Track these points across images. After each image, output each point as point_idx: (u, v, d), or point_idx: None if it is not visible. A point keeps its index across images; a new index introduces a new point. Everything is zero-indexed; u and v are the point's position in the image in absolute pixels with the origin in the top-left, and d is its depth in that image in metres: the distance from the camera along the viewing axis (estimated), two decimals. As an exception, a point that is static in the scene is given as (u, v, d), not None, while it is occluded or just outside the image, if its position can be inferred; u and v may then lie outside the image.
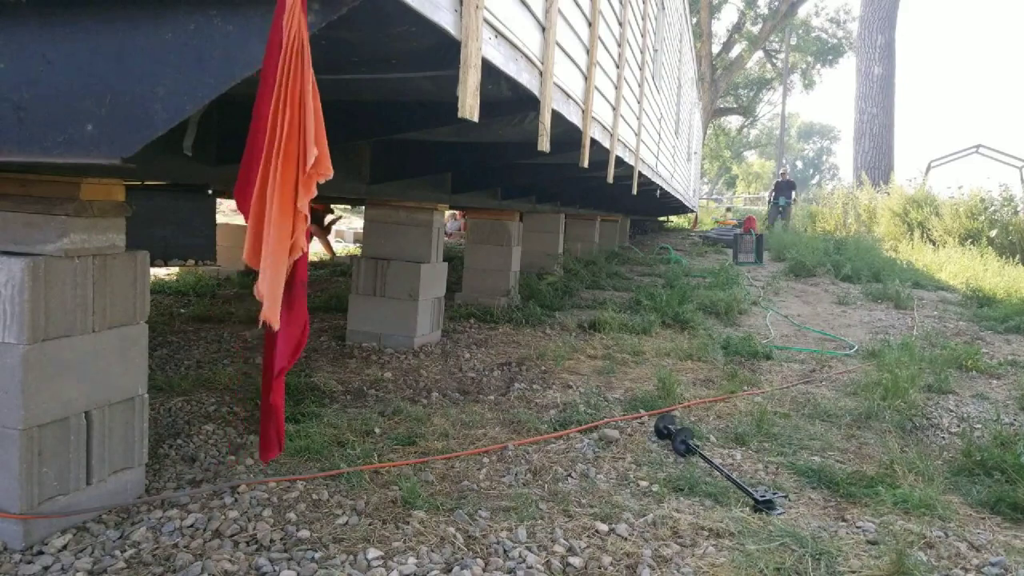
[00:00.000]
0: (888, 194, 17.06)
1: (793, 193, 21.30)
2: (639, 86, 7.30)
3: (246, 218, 1.66)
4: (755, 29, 32.83)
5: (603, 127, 5.07)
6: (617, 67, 5.68)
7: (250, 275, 7.88)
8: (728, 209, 25.74)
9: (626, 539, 2.41)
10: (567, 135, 4.17)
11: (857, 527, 2.61)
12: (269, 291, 1.63)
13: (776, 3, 31.32)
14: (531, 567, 2.19)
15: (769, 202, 21.54)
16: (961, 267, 10.82)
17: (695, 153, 22.55)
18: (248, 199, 1.64)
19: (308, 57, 1.50)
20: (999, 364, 5.40)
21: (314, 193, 1.60)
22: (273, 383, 1.97)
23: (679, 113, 14.60)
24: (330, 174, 1.60)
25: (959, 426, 3.89)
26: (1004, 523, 2.76)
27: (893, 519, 2.66)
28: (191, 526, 2.31)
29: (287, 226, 1.62)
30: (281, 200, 1.58)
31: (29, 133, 1.67)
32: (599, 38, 4.49)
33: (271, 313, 1.64)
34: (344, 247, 12.81)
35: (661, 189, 11.04)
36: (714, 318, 6.77)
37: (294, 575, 2.08)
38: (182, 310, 5.99)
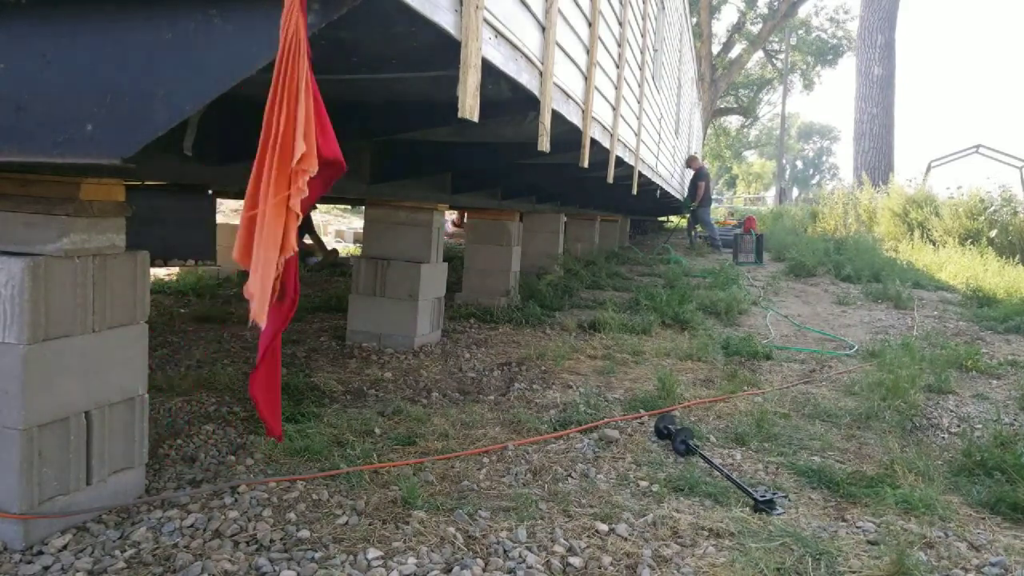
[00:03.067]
0: (888, 194, 17.05)
1: (702, 189, 14.10)
2: (639, 86, 7.30)
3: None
4: (755, 29, 32.86)
5: (603, 127, 5.07)
6: (617, 67, 5.68)
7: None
8: (731, 213, 25.04)
9: (626, 539, 2.41)
10: (567, 135, 4.17)
11: (857, 527, 2.61)
12: (259, 290, 1.63)
13: (776, 3, 31.34)
14: (531, 567, 2.19)
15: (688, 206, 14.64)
16: (961, 267, 10.82)
17: (695, 151, 22.51)
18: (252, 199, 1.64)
19: (305, 56, 1.49)
20: (999, 364, 5.40)
21: (305, 192, 1.58)
22: (253, 377, 1.99)
23: (679, 113, 14.60)
24: (313, 169, 1.58)
25: (959, 426, 3.89)
26: (1004, 523, 2.76)
27: (893, 519, 2.66)
28: (191, 526, 2.31)
29: (279, 225, 1.61)
30: (275, 199, 1.58)
31: (29, 133, 1.67)
32: (599, 38, 4.49)
33: (259, 312, 1.64)
34: (344, 247, 12.80)
35: (661, 189, 11.05)
36: (714, 318, 6.77)
37: (294, 575, 2.08)
38: (182, 310, 5.99)
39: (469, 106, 2.07)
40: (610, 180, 5.75)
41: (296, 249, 1.69)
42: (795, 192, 64.56)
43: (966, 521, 2.73)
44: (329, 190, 1.81)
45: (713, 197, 19.33)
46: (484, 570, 2.17)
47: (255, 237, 1.61)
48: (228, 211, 10.62)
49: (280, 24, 1.45)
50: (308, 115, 1.55)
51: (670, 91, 12.22)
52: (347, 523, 2.40)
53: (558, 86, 3.46)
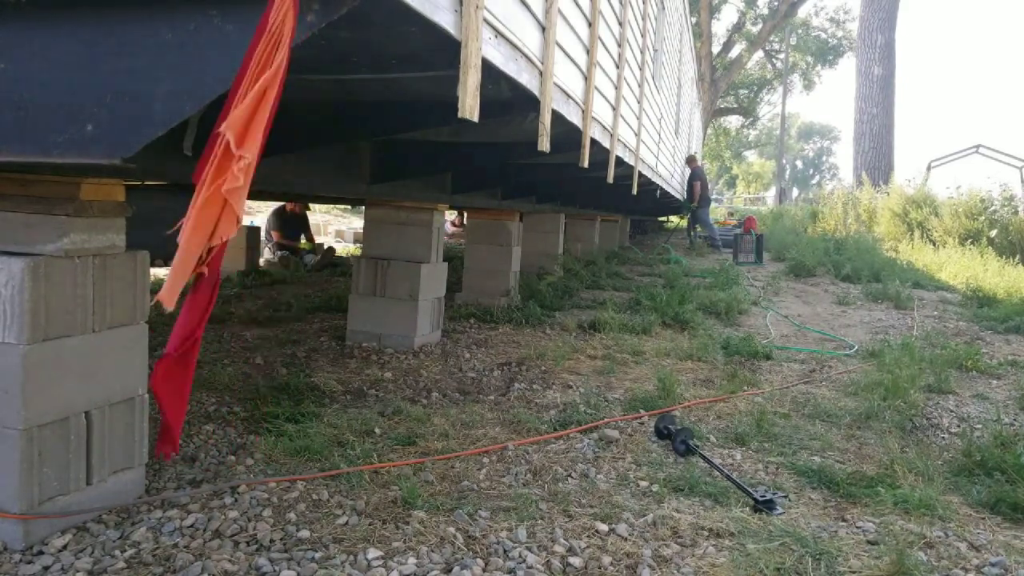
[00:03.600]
0: (888, 194, 17.05)
1: (697, 189, 14.06)
2: (639, 86, 7.30)
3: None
4: (755, 29, 32.88)
5: (603, 127, 5.07)
6: (617, 67, 5.68)
7: (250, 275, 7.88)
8: (731, 213, 24.93)
9: (626, 539, 2.41)
10: (567, 135, 4.17)
11: (857, 527, 2.61)
12: (175, 271, 1.61)
13: (776, 3, 31.36)
14: (531, 567, 2.19)
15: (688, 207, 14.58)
16: (961, 267, 10.82)
17: (694, 151, 22.47)
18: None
19: (286, 49, 1.47)
20: (999, 364, 5.40)
21: (239, 180, 1.54)
22: (157, 365, 1.96)
23: (679, 113, 14.61)
24: (254, 161, 1.54)
25: (959, 426, 3.89)
26: (1004, 523, 2.76)
27: (893, 519, 2.66)
28: (191, 526, 2.31)
29: (214, 211, 1.59)
30: (214, 184, 1.55)
31: (29, 133, 1.67)
32: (599, 38, 4.49)
33: (170, 293, 1.60)
34: (344, 247, 12.80)
35: (661, 189, 11.06)
36: (714, 318, 6.77)
37: (294, 575, 2.08)
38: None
39: (469, 106, 2.07)
40: (610, 180, 5.75)
41: (224, 239, 1.66)
42: (795, 192, 64.59)
43: (966, 521, 2.73)
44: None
45: (713, 197, 19.27)
46: (484, 570, 2.17)
47: (186, 220, 1.59)
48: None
49: (270, 21, 1.44)
50: (270, 109, 1.52)
51: (670, 91, 12.23)
52: (347, 523, 2.40)
53: (558, 86, 3.46)
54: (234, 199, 1.57)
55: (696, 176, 14.55)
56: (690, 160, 15.76)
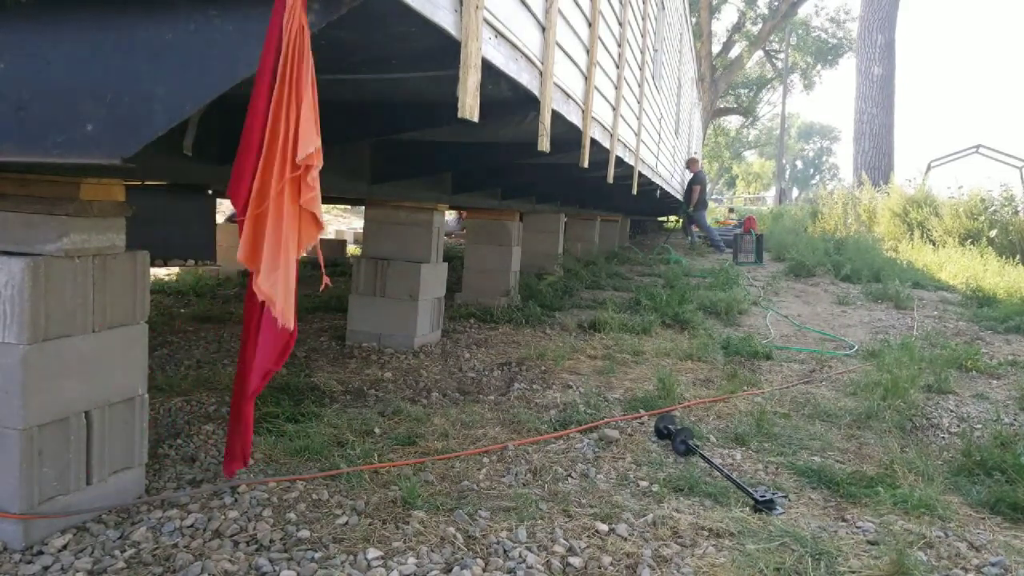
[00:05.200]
0: (888, 194, 17.04)
1: (696, 193, 13.94)
2: (639, 86, 7.30)
3: (240, 216, 1.65)
4: (755, 29, 32.86)
5: (603, 127, 5.07)
6: (617, 67, 5.68)
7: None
8: (731, 210, 24.91)
9: (626, 539, 2.41)
10: (567, 135, 4.17)
11: (857, 527, 2.61)
12: (283, 289, 1.62)
13: (776, 3, 31.34)
14: (531, 567, 2.19)
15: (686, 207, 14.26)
16: (961, 267, 10.82)
17: (695, 153, 22.46)
18: (245, 197, 1.63)
19: (309, 55, 1.50)
20: (999, 364, 5.40)
21: (314, 189, 1.59)
22: (248, 390, 1.96)
23: (679, 113, 14.61)
24: (320, 165, 1.59)
25: (959, 426, 3.89)
26: (1004, 523, 2.76)
27: (893, 519, 2.66)
28: (191, 526, 2.31)
29: (294, 224, 1.62)
30: (290, 198, 1.58)
31: (29, 133, 1.67)
32: (599, 38, 4.49)
33: (287, 311, 1.63)
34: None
35: (661, 189, 11.06)
36: (714, 318, 6.77)
37: (294, 575, 2.08)
38: (182, 310, 5.99)
39: (469, 106, 2.07)
40: (610, 180, 5.75)
41: (305, 249, 1.69)
42: (795, 192, 64.58)
43: (966, 521, 2.73)
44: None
45: (710, 200, 19.14)
46: (484, 570, 2.17)
47: (266, 237, 1.60)
48: (228, 211, 10.60)
49: (283, 23, 1.45)
50: (315, 112, 1.55)
51: (670, 91, 12.23)
52: (347, 523, 2.40)
53: (558, 86, 3.46)
54: (314, 207, 1.63)
55: (697, 180, 14.48)
56: (691, 163, 15.63)
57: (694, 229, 14.91)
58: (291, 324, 1.66)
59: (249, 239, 1.64)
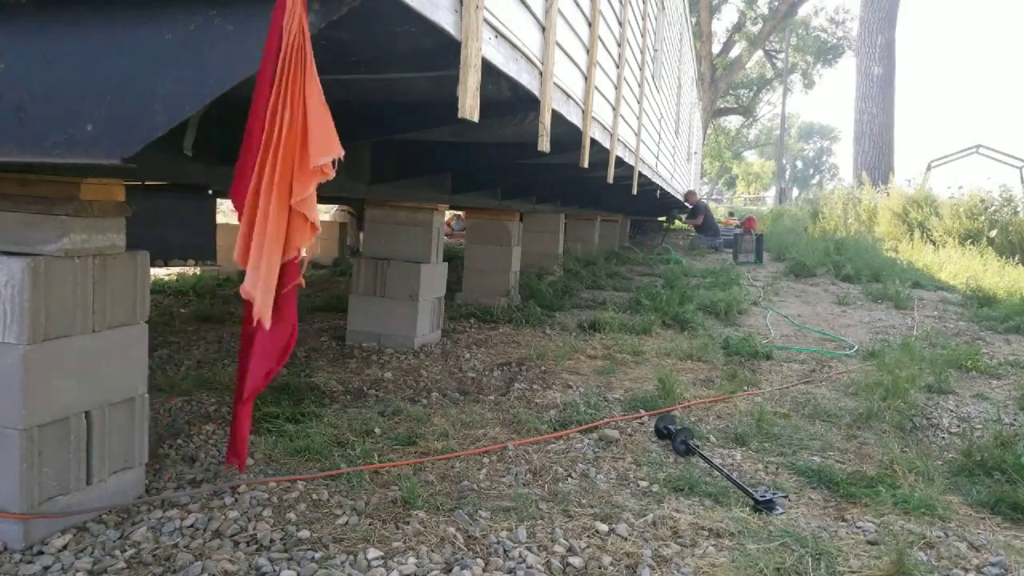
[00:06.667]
0: (888, 194, 17.05)
1: (700, 220, 14.59)
2: (639, 86, 7.30)
3: (239, 217, 1.66)
4: (755, 29, 32.86)
5: (603, 127, 5.07)
6: (617, 67, 5.69)
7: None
8: (731, 213, 24.91)
9: (626, 539, 2.41)
10: (567, 135, 4.17)
11: (857, 527, 2.61)
12: (262, 289, 1.63)
13: (776, 3, 31.36)
14: (531, 567, 2.19)
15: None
16: (961, 267, 10.82)
17: (695, 153, 22.51)
18: (243, 198, 1.64)
19: (310, 56, 1.50)
20: (999, 364, 5.40)
21: (308, 191, 1.59)
22: (247, 390, 1.96)
23: (679, 113, 14.62)
24: (331, 172, 1.59)
25: (959, 426, 3.89)
26: (1004, 523, 2.76)
27: (893, 519, 2.66)
28: (191, 526, 2.31)
29: (282, 225, 1.62)
30: (278, 199, 1.58)
31: (29, 133, 1.67)
32: (599, 38, 4.49)
33: (263, 311, 1.64)
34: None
35: (661, 189, 11.06)
36: (714, 318, 6.77)
37: (294, 575, 2.08)
38: (182, 310, 5.99)
39: (469, 106, 2.07)
40: (610, 180, 5.75)
41: (299, 251, 1.69)
42: (795, 192, 64.54)
43: (966, 521, 2.73)
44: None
45: (712, 198, 19.22)
46: (484, 570, 2.17)
47: (255, 238, 1.61)
48: (228, 211, 10.60)
49: (283, 24, 1.45)
50: (327, 116, 1.55)
51: (670, 91, 12.23)
52: (347, 523, 2.40)
53: (558, 86, 3.46)
54: (310, 213, 1.63)
55: (699, 209, 14.62)
56: (689, 195, 15.45)
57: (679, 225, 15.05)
58: (267, 322, 1.66)
59: (243, 240, 1.65)
